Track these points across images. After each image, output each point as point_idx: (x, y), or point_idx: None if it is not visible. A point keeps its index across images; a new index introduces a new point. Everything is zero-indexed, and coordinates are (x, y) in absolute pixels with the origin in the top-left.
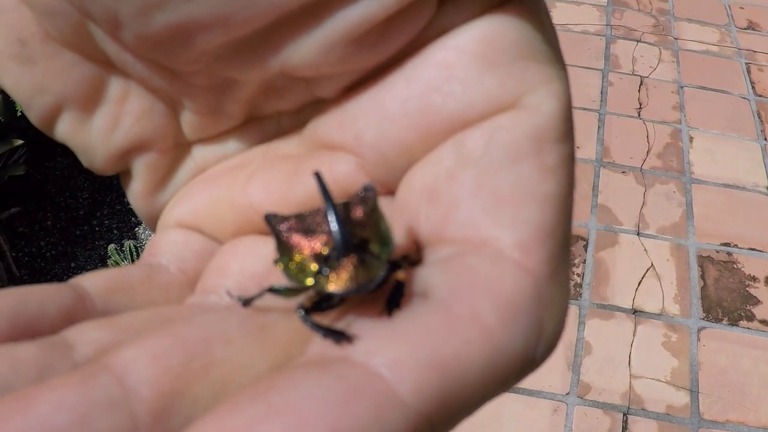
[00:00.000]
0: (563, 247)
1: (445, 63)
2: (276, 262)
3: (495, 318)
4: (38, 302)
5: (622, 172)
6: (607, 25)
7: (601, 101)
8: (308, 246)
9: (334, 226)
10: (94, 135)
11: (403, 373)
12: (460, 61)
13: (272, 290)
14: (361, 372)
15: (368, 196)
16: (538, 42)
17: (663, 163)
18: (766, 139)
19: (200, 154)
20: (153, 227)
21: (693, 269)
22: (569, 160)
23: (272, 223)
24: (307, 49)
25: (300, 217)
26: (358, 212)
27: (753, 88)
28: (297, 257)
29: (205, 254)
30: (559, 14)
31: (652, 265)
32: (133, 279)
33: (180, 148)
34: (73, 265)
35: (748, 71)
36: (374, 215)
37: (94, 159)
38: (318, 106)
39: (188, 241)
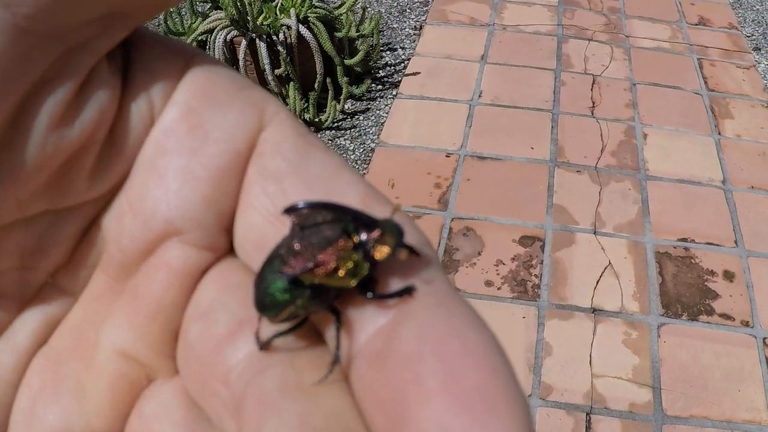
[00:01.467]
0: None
1: (191, 125)
2: (309, 288)
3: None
4: None
5: (577, 172)
6: (558, 24)
7: (554, 101)
8: (335, 252)
9: (355, 212)
10: None
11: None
12: (202, 117)
13: (280, 334)
14: (432, 300)
15: (308, 207)
16: (241, 83)
17: (618, 161)
18: (719, 134)
19: None
20: None
21: (651, 266)
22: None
23: (286, 267)
24: (28, 153)
25: (294, 246)
26: (321, 213)
27: (705, 83)
28: (333, 267)
29: None
30: (510, 15)
31: (610, 263)
32: None
33: None
34: None
35: (701, 67)
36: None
37: None
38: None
39: None
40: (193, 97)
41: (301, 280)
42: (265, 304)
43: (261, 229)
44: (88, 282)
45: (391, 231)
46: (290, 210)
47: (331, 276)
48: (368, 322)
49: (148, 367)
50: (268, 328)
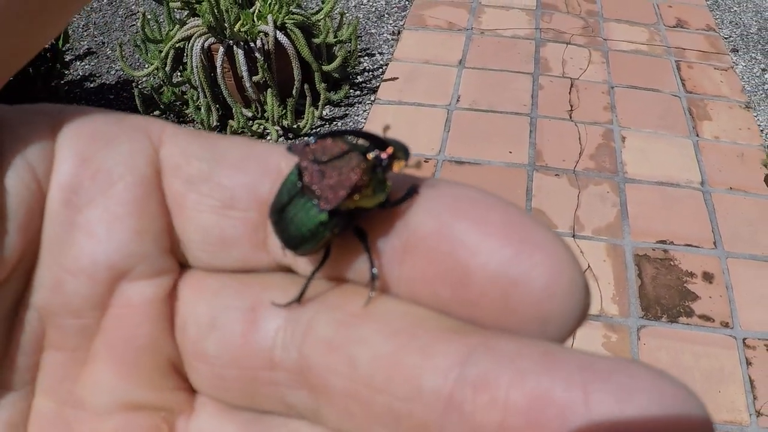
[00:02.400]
0: None
1: (91, 173)
2: (347, 206)
3: None
4: None
5: (556, 175)
6: (536, 28)
7: (532, 105)
8: (363, 174)
9: (358, 133)
10: None
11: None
12: (97, 160)
13: (315, 272)
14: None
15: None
16: (117, 116)
17: (596, 164)
18: (698, 136)
19: None
20: None
21: (630, 268)
22: None
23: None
24: None
25: (322, 177)
26: (328, 146)
27: (683, 85)
28: (366, 188)
29: None
30: (488, 19)
31: (589, 266)
32: None
33: None
34: None
35: (678, 69)
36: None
37: None
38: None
39: None
40: (82, 147)
41: (338, 208)
42: (305, 240)
43: (217, 225)
44: (35, 370)
45: (398, 146)
46: (291, 149)
47: (364, 197)
48: (379, 229)
49: (161, 409)
50: (283, 296)
